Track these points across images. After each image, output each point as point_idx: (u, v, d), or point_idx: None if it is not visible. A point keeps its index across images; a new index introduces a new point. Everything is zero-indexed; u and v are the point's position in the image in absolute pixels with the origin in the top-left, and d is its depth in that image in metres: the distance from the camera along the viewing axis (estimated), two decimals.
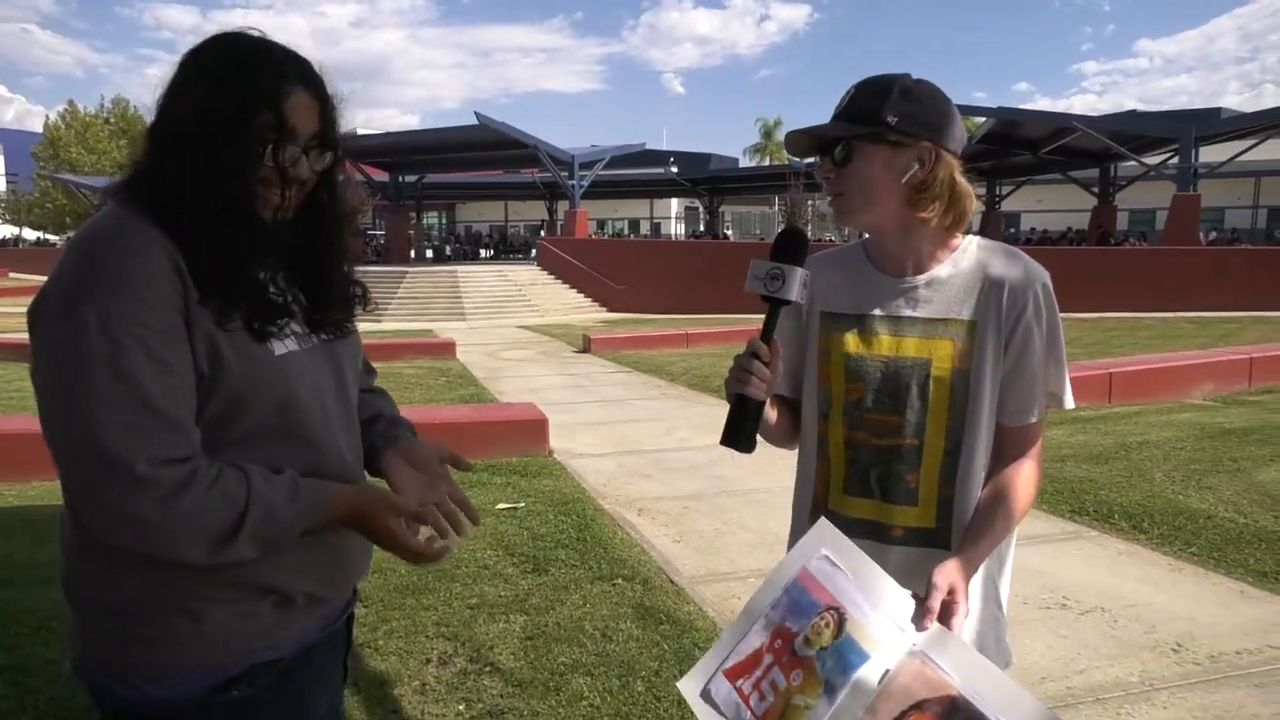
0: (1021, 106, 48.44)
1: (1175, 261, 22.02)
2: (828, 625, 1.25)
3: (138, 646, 1.23)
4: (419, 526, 1.32)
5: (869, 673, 1.19)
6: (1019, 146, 30.89)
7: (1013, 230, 44.25)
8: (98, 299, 1.11)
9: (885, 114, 1.43)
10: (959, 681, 1.17)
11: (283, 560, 1.25)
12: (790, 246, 1.40)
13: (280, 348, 1.26)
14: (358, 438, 1.43)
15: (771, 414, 1.60)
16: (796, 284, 1.37)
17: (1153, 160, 28.76)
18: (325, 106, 1.29)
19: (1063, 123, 28.00)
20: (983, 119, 28.81)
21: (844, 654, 1.21)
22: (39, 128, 54.49)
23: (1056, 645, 3.50)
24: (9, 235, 62.85)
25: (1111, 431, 7.24)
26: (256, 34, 1.29)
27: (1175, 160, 26.51)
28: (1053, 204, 44.35)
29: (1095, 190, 32.66)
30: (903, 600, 1.27)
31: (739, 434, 1.38)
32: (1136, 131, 27.59)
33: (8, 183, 67.24)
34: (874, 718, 1.16)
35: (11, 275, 42.91)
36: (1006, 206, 38.92)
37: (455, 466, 1.48)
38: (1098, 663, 3.35)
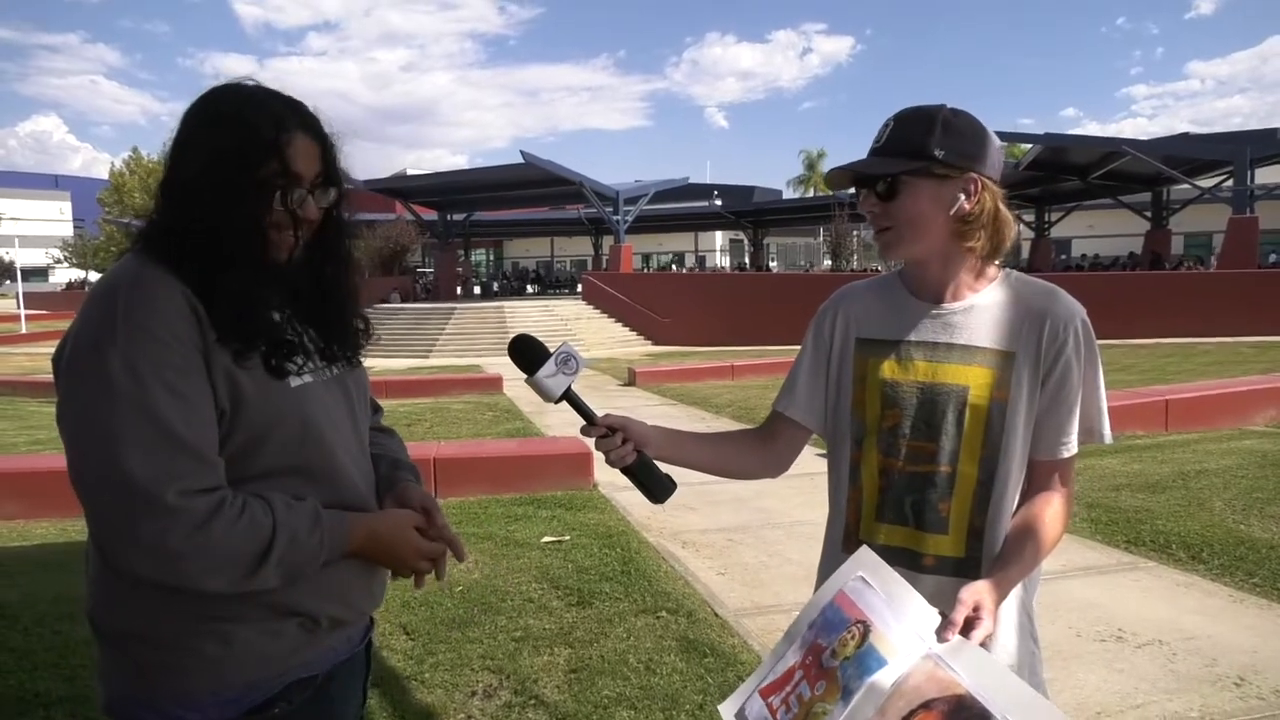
0: (1069, 132, 47.75)
1: (1233, 284, 21.44)
2: (853, 638, 1.27)
3: (169, 673, 1.25)
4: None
5: (884, 676, 1.21)
6: (1067, 172, 30.49)
7: (1064, 257, 43.49)
8: (120, 344, 1.15)
9: (932, 148, 1.43)
10: (968, 681, 1.17)
11: (305, 586, 1.28)
12: (521, 356, 1.48)
13: (296, 380, 1.31)
14: (370, 468, 1.48)
15: (695, 450, 1.64)
16: (550, 385, 1.46)
17: (1207, 183, 28.20)
18: (325, 146, 1.34)
19: (1112, 147, 27.62)
20: (1029, 145, 28.52)
21: (864, 661, 1.23)
22: (105, 174, 56.60)
23: (1112, 679, 3.41)
24: (76, 278, 65.14)
25: (1168, 460, 7.05)
26: (253, 84, 1.34)
27: (1230, 183, 25.96)
28: (1104, 229, 43.51)
29: (1148, 215, 32.06)
30: (929, 615, 1.28)
31: (646, 491, 1.55)
32: (1189, 154, 27.09)
33: (74, 228, 69.76)
34: (884, 717, 1.17)
35: None
36: (1056, 233, 38.28)
37: (431, 522, 1.47)
38: (1155, 697, 3.25)
